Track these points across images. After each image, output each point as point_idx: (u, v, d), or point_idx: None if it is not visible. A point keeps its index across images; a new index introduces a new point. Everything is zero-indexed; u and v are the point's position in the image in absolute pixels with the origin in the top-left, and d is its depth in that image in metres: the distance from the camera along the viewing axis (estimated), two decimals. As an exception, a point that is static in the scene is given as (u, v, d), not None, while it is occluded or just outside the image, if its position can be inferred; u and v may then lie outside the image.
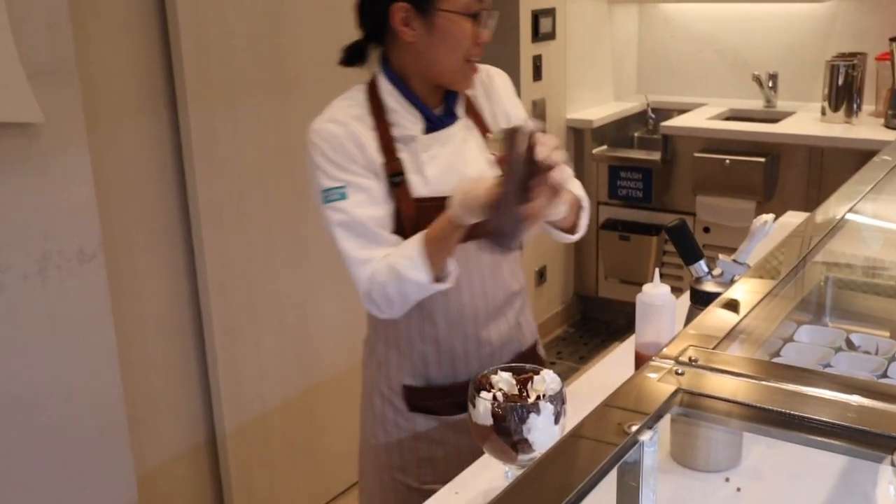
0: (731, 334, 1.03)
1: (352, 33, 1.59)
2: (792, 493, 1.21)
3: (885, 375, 1.32)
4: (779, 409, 0.74)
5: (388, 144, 1.53)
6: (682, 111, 4.15)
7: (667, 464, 1.29)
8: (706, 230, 3.79)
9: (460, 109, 1.59)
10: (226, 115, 2.42)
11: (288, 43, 2.57)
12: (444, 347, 1.60)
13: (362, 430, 1.75)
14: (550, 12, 3.80)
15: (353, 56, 1.60)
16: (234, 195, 2.48)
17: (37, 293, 1.90)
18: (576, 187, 1.61)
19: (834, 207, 1.66)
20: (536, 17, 3.71)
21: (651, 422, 0.75)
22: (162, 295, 2.40)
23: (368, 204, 1.50)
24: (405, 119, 1.54)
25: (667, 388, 0.78)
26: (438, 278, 1.46)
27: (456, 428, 1.62)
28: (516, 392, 1.20)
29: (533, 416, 1.14)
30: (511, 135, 1.28)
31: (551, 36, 3.84)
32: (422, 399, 1.63)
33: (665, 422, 0.82)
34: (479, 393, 1.18)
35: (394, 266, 1.45)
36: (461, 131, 1.59)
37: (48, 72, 1.86)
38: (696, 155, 3.73)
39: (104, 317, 2.04)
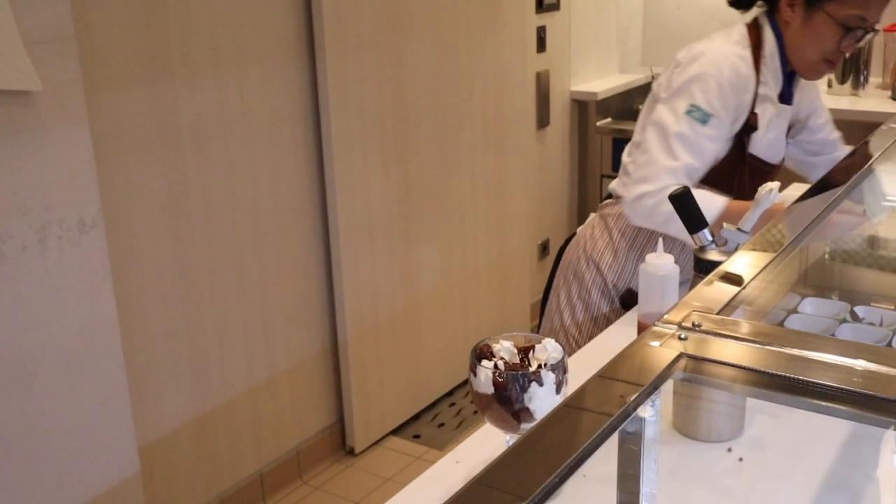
0: (733, 304, 1.01)
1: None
2: (794, 463, 1.21)
3: (889, 346, 1.31)
4: (784, 374, 0.73)
5: (755, 97, 1.70)
6: (687, 83, 4.10)
7: (668, 434, 1.28)
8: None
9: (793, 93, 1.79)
10: (354, 62, 2.76)
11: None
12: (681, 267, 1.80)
13: (569, 314, 1.93)
14: (555, -17, 3.77)
15: (742, 1, 1.81)
16: (359, 133, 2.83)
17: (37, 263, 1.90)
18: None
19: (838, 178, 1.65)
20: (540, -13, 3.67)
21: (652, 388, 0.74)
22: (296, 219, 2.77)
23: (715, 140, 1.67)
24: (771, 80, 1.72)
25: (669, 353, 0.77)
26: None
27: None
28: (518, 361, 1.19)
29: (534, 384, 1.13)
30: None
31: (556, 6, 3.79)
32: (632, 302, 1.82)
33: (667, 390, 0.82)
34: (480, 361, 1.17)
35: None
36: (790, 115, 1.81)
37: (46, 40, 1.84)
38: (701, 127, 3.70)
39: (104, 287, 2.03)
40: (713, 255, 1.38)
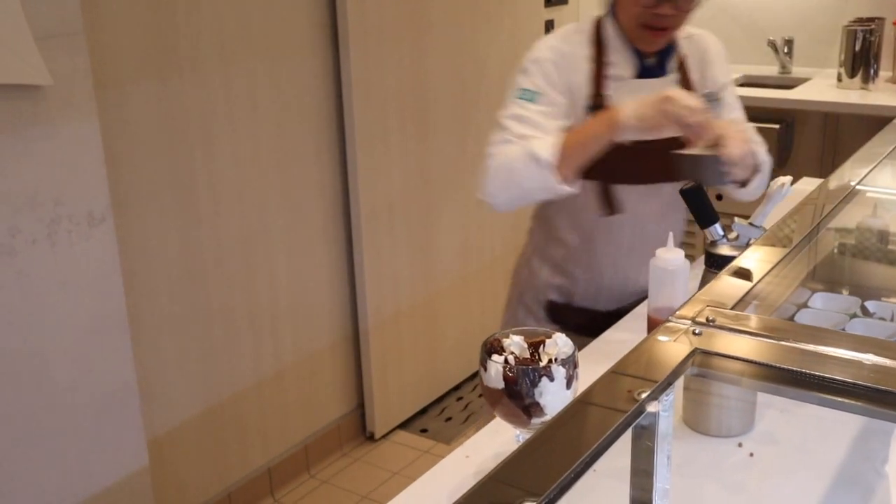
0: (745, 300, 1.01)
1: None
2: (805, 458, 1.20)
3: (901, 341, 1.30)
4: (799, 370, 0.72)
5: (599, 79, 1.63)
6: (695, 77, 4.09)
7: (678, 429, 1.28)
8: (719, 197, 3.75)
9: (672, 65, 1.69)
10: (377, 52, 2.83)
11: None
12: (594, 275, 1.75)
13: None
14: (563, -24, 3.76)
15: None
16: (380, 123, 2.89)
17: (46, 257, 1.90)
18: (759, 148, 1.66)
19: (849, 173, 1.64)
20: (549, -19, 3.66)
21: (667, 383, 0.73)
22: (315, 210, 2.81)
23: (552, 117, 1.60)
24: (620, 59, 1.65)
25: (683, 349, 0.77)
26: (565, 178, 1.52)
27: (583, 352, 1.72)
28: (528, 355, 1.19)
29: (545, 379, 1.13)
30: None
31: (564, 1, 3.78)
32: (562, 315, 1.80)
33: (677, 386, 0.81)
34: (490, 356, 1.17)
35: (526, 144, 1.54)
36: (668, 86, 1.64)
37: (55, 34, 1.84)
38: (710, 122, 3.69)
39: (113, 280, 2.03)
40: (724, 250, 1.38)
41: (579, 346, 1.60)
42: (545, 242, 1.82)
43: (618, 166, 1.63)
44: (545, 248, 1.82)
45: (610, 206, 1.70)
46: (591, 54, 1.65)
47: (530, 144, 1.54)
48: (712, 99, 1.65)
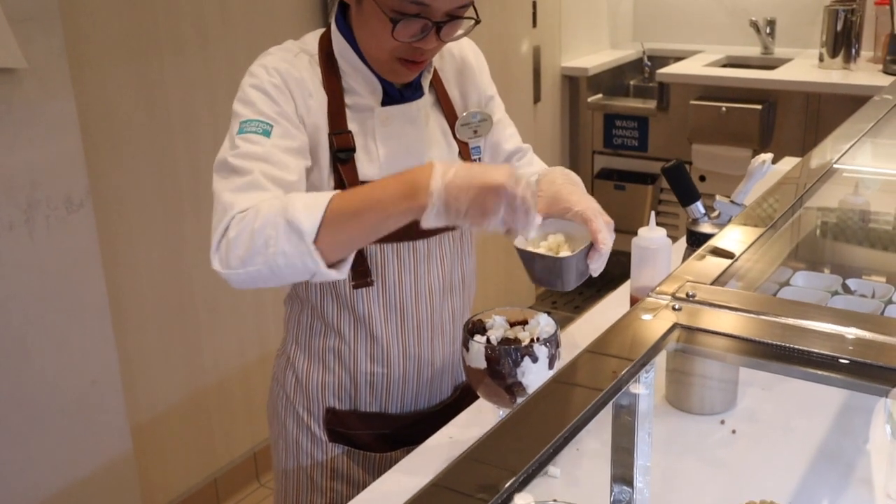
0: (725, 277, 1.01)
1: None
2: (787, 434, 1.21)
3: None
4: (780, 343, 0.72)
5: (338, 111, 1.28)
6: (678, 58, 4.10)
7: (661, 407, 1.28)
8: (702, 178, 3.77)
9: (426, 83, 1.35)
10: None
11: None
12: (378, 365, 1.37)
13: (275, 457, 1.50)
14: (545, -43, 3.74)
15: None
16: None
17: (24, 243, 1.88)
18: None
19: (829, 151, 1.64)
20: (531, -38, 3.64)
21: (647, 359, 0.73)
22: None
23: (294, 153, 1.23)
24: (360, 85, 1.30)
25: (663, 325, 0.76)
26: (331, 258, 1.12)
27: (380, 470, 1.39)
28: (510, 335, 1.19)
29: (527, 359, 1.13)
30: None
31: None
32: (346, 426, 1.41)
33: (660, 364, 0.81)
34: (472, 336, 1.16)
35: (283, 203, 1.12)
36: (424, 108, 1.35)
37: (30, 17, 1.81)
38: (693, 102, 3.70)
39: (93, 266, 2.01)
40: (705, 228, 1.38)
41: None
42: (310, 331, 1.41)
43: None
44: (310, 338, 1.41)
45: (362, 270, 1.32)
46: (323, 81, 1.29)
47: (289, 204, 1.11)
48: (481, 120, 1.37)
